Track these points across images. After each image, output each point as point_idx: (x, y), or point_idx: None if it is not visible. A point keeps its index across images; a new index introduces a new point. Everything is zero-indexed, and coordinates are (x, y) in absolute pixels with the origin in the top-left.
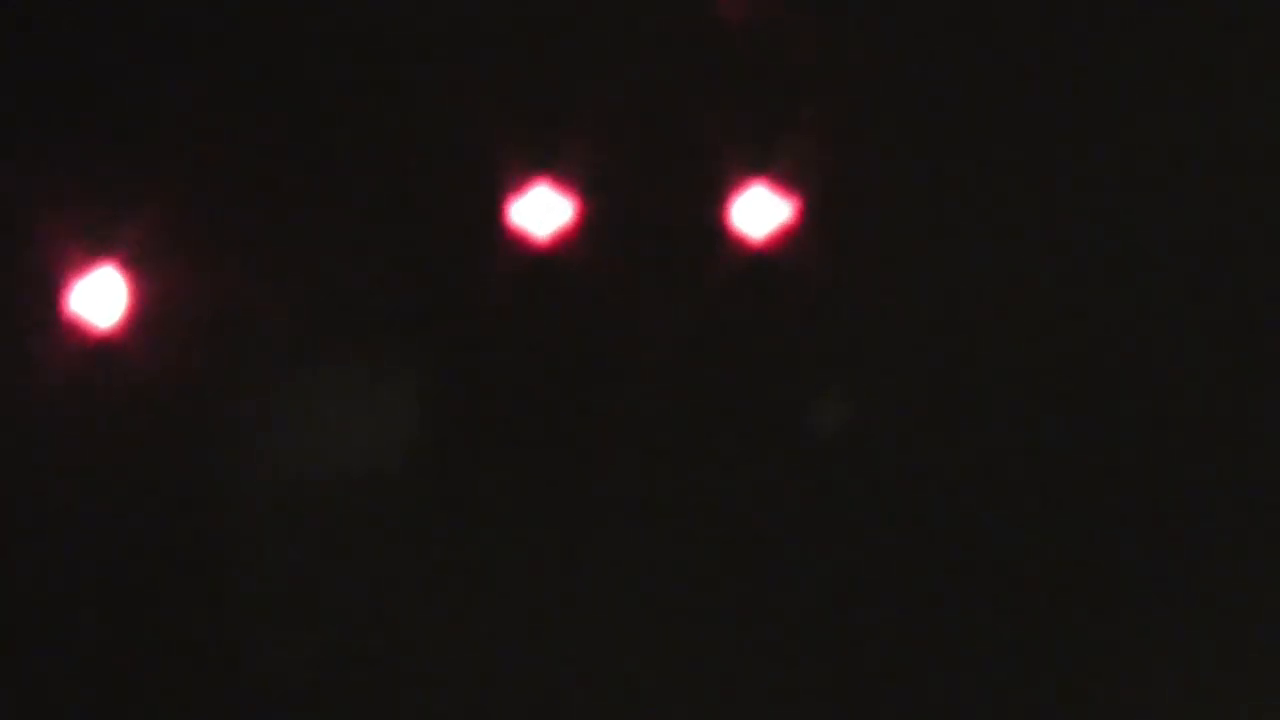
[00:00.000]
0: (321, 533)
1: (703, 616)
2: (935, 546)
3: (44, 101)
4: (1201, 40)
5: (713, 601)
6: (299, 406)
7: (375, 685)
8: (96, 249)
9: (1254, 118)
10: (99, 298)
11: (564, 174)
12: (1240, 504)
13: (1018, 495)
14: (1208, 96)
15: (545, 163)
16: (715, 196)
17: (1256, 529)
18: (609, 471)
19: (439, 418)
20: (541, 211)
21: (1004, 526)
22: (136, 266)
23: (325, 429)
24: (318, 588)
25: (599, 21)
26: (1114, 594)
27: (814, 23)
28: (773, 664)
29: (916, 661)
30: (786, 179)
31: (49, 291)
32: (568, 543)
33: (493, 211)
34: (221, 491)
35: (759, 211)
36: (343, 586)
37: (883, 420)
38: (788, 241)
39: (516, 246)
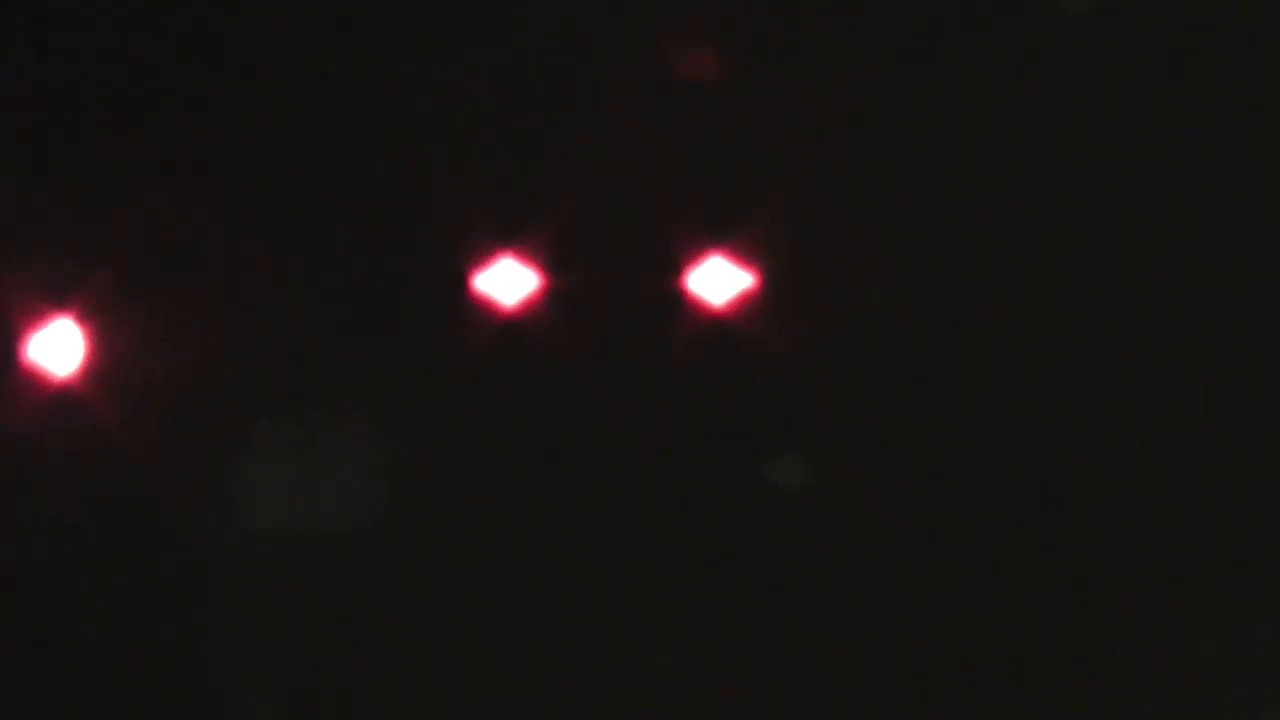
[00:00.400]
0: (279, 590)
1: (665, 679)
2: (892, 608)
3: (2, 153)
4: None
5: (676, 666)
6: (257, 464)
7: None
8: (55, 300)
9: (1220, 126)
10: (57, 348)
11: (528, 246)
12: (1223, 525)
13: (979, 568)
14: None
15: (510, 235)
16: (675, 266)
17: (1237, 550)
18: (574, 536)
19: (401, 478)
20: (507, 281)
21: (966, 594)
22: (94, 318)
23: (283, 488)
24: (275, 643)
25: (563, 98)
26: (1094, 621)
27: (772, 90)
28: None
29: (898, 686)
30: (745, 250)
31: (6, 341)
32: (532, 608)
33: (459, 281)
34: (178, 545)
35: (718, 280)
36: (297, 641)
37: (843, 483)
38: (747, 309)
39: (482, 315)
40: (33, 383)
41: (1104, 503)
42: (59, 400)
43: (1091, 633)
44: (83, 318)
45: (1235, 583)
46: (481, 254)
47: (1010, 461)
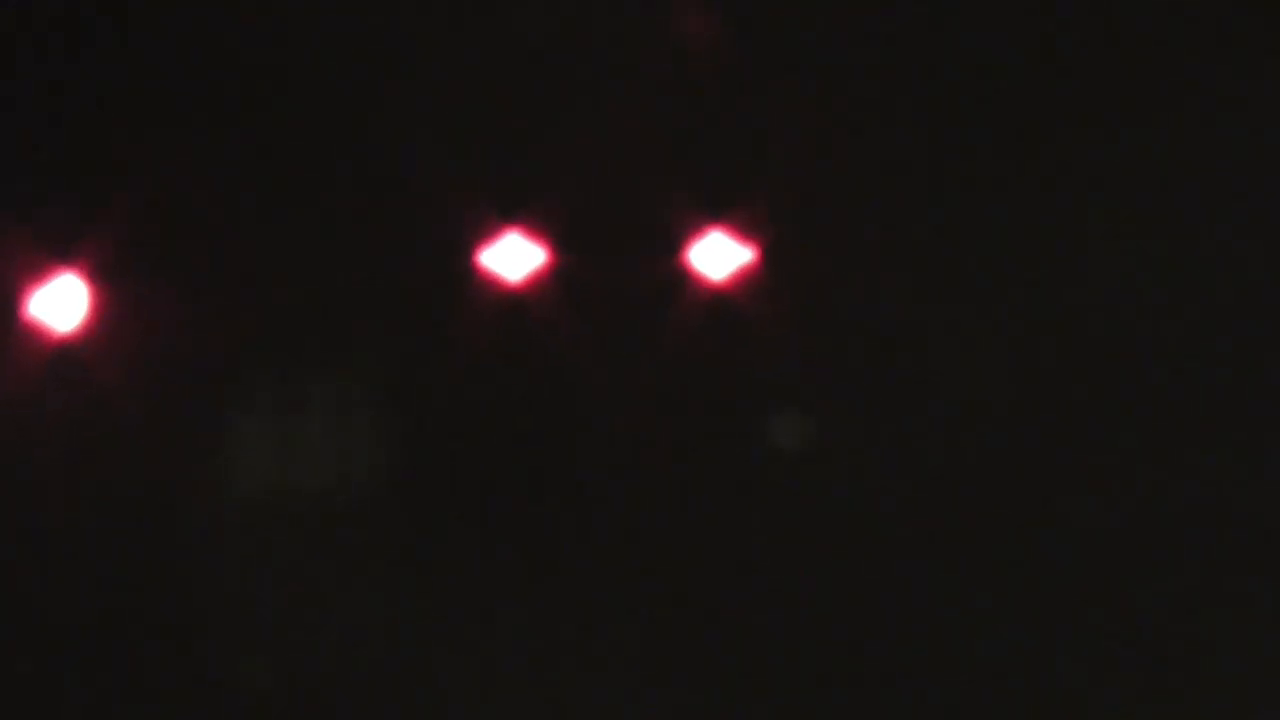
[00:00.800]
0: (276, 543)
1: (665, 635)
2: (887, 564)
3: (5, 113)
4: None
5: (674, 622)
6: (258, 421)
7: (334, 691)
8: (58, 257)
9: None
10: (60, 304)
11: (534, 222)
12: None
13: (974, 539)
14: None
15: (517, 212)
16: (677, 242)
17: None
18: (573, 507)
19: (403, 448)
20: (513, 257)
21: (953, 554)
22: (98, 274)
23: (285, 445)
24: (272, 596)
25: (567, 78)
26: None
27: (771, 68)
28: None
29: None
30: (745, 225)
31: (9, 297)
32: (533, 574)
33: (466, 256)
34: (177, 499)
35: (719, 256)
36: (296, 595)
37: (839, 453)
38: (746, 283)
39: (488, 289)
40: (33, 339)
41: (1102, 483)
42: (59, 356)
43: (1088, 607)
44: (86, 275)
45: (1236, 581)
46: (487, 230)
47: (1007, 429)
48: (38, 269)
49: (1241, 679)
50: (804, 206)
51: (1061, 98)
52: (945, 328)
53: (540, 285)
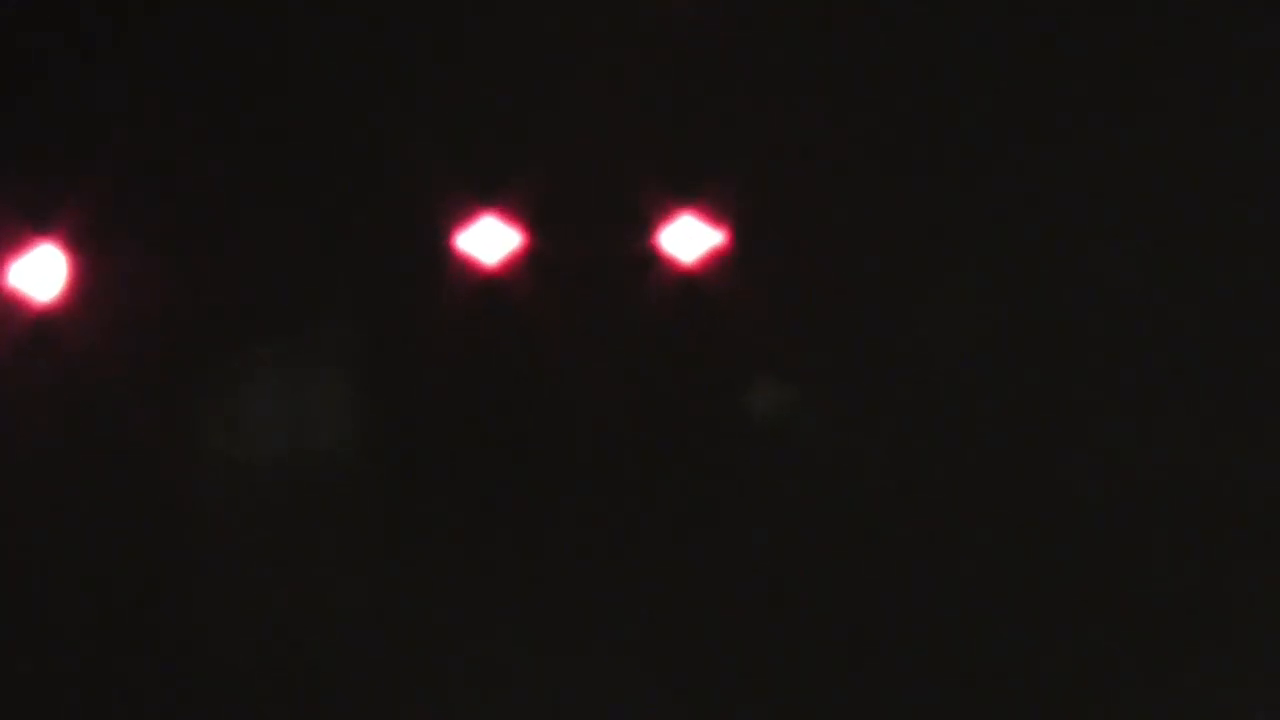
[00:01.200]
0: (258, 512)
1: (641, 607)
2: (864, 540)
3: None
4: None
5: (651, 595)
6: (238, 392)
7: (320, 659)
8: (37, 226)
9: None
10: (38, 274)
11: (510, 206)
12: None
13: (953, 514)
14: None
15: (492, 196)
16: (648, 225)
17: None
18: (553, 478)
19: (377, 411)
20: (488, 240)
21: (933, 531)
22: (77, 243)
23: (264, 418)
24: (254, 567)
25: (544, 66)
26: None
27: (741, 50)
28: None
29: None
30: (715, 208)
31: None
32: (513, 550)
33: (442, 239)
34: (157, 466)
35: (689, 238)
36: (279, 564)
37: (811, 429)
38: (716, 266)
39: (464, 271)
40: (12, 308)
41: (1088, 458)
42: (39, 325)
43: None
44: (65, 243)
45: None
46: (463, 214)
47: (984, 409)
48: (16, 239)
49: (1242, 663)
50: (774, 189)
51: (1035, 77)
52: (918, 307)
53: (516, 267)
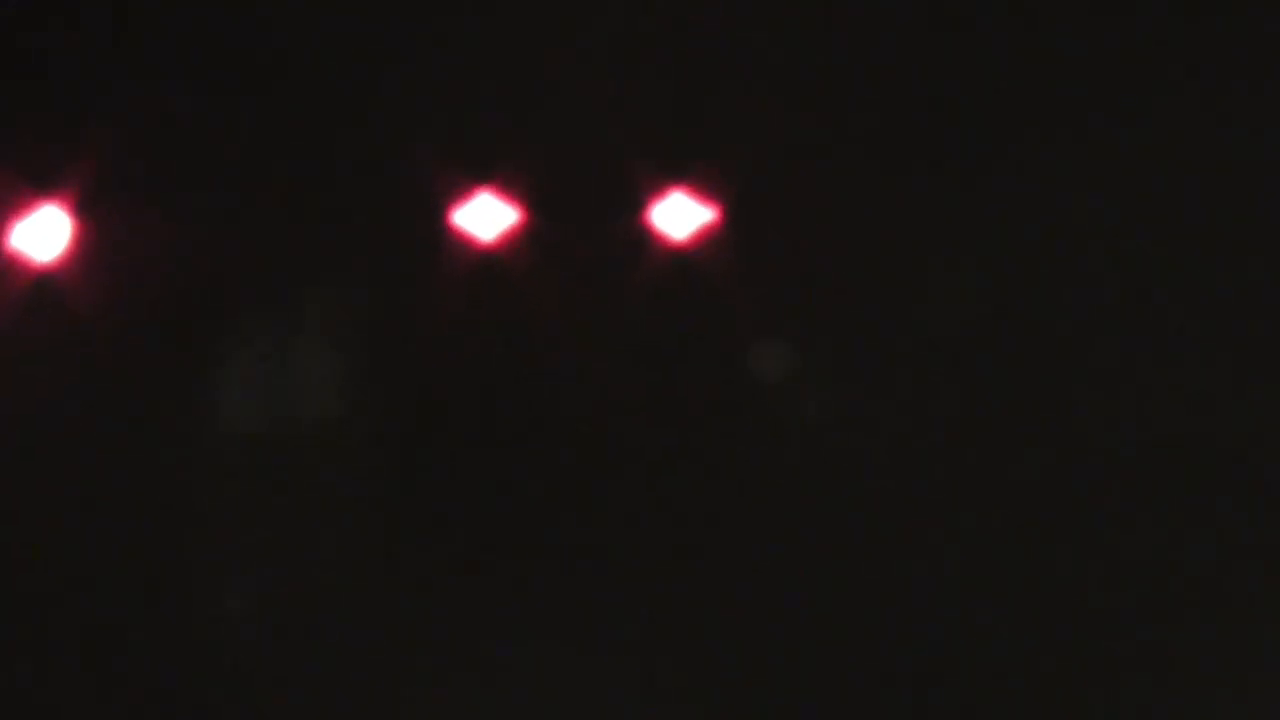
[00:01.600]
0: (257, 477)
1: (639, 598)
2: (859, 513)
3: None
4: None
5: (653, 585)
6: (237, 356)
7: (309, 626)
8: (39, 187)
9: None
10: (41, 236)
11: (507, 184)
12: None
13: (945, 500)
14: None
15: (489, 174)
16: (639, 202)
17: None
18: (546, 454)
19: (373, 382)
20: (485, 217)
21: (924, 505)
22: (80, 205)
23: (260, 383)
24: (251, 531)
25: (536, 48)
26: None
27: (732, 31)
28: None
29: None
30: (706, 186)
31: None
32: (507, 525)
33: (439, 216)
34: (157, 429)
35: (680, 215)
36: (273, 532)
37: (803, 406)
38: (707, 242)
39: (461, 247)
40: (14, 269)
41: (1078, 420)
42: (40, 287)
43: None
44: (68, 205)
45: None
46: (461, 190)
47: (978, 390)
48: (18, 200)
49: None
50: (763, 169)
51: (1030, 52)
52: (913, 285)
53: (512, 244)
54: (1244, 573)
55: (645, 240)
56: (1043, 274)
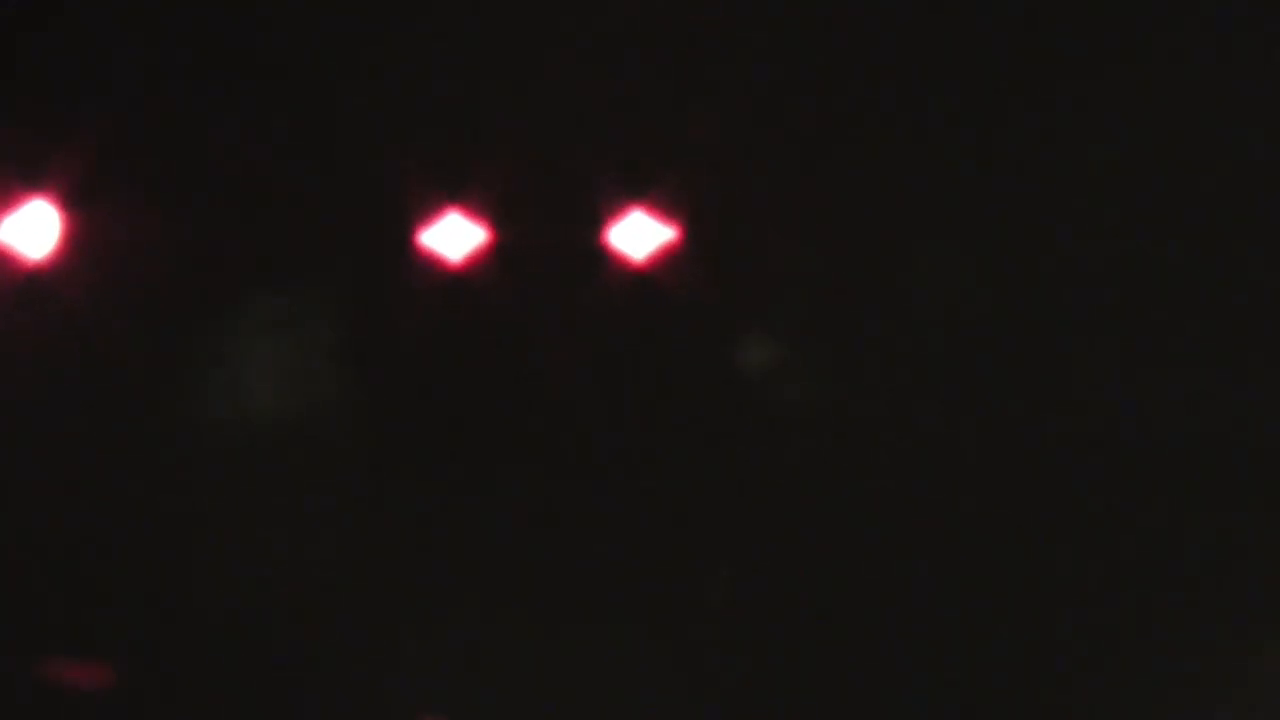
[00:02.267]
0: (243, 469)
1: (586, 596)
2: (826, 517)
3: None
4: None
5: (601, 589)
6: (226, 347)
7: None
8: (29, 181)
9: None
10: (31, 230)
11: (474, 204)
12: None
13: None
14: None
15: (456, 194)
16: (599, 221)
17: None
18: (508, 462)
19: (356, 377)
20: (452, 237)
21: (884, 511)
22: (69, 200)
23: (247, 375)
24: (243, 520)
25: (499, 68)
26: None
27: (693, 48)
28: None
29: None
30: (665, 205)
31: None
32: (477, 525)
33: (407, 236)
34: (147, 424)
35: (639, 234)
36: (264, 518)
37: (766, 418)
38: (667, 261)
39: (429, 266)
40: (4, 264)
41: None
42: (30, 282)
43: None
44: (58, 200)
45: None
46: (428, 211)
47: (944, 410)
48: (7, 194)
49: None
50: (723, 186)
51: (1001, 48)
52: (868, 296)
53: (480, 262)
54: (1244, 572)
55: (604, 259)
56: (1024, 285)
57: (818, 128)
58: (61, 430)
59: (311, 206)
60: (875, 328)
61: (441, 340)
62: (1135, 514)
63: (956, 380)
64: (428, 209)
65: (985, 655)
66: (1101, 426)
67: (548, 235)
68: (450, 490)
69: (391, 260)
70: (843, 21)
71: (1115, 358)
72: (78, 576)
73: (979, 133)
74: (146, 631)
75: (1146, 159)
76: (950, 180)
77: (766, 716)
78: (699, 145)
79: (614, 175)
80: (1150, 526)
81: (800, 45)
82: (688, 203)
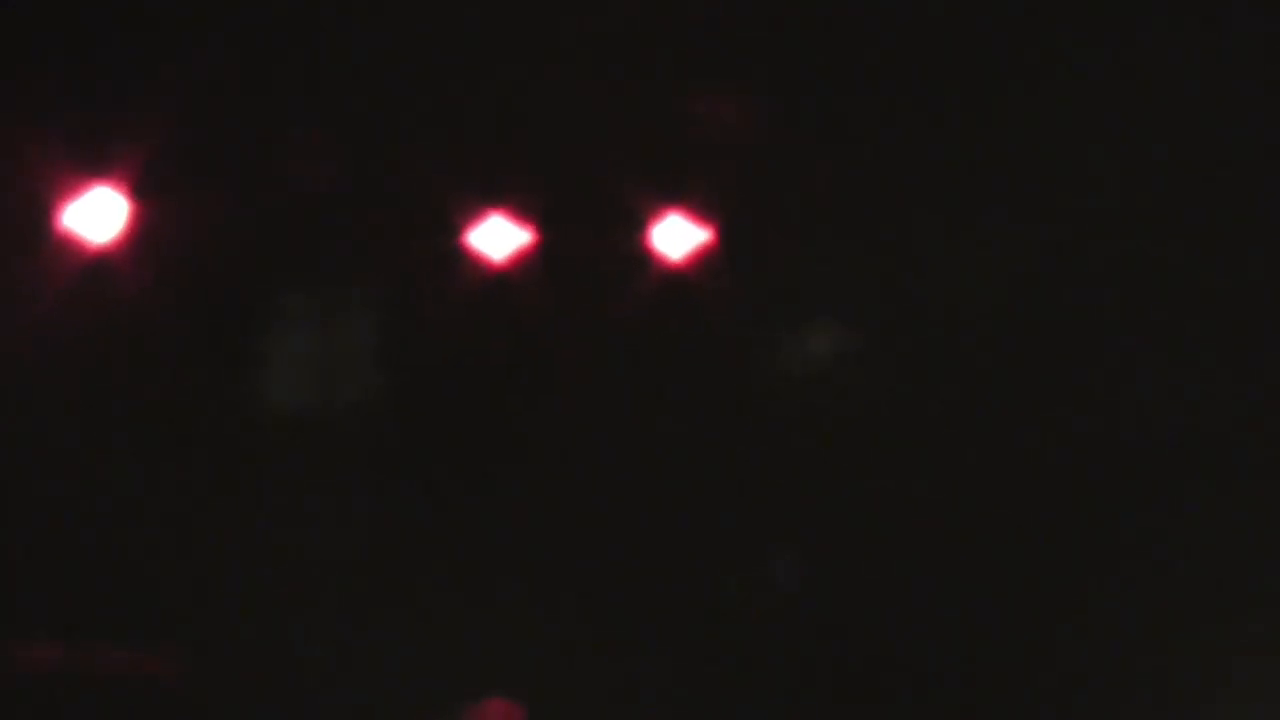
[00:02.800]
0: (298, 455)
1: (614, 595)
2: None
3: (49, 27)
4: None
5: (629, 582)
6: (278, 341)
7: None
8: (95, 169)
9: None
10: (96, 216)
11: (517, 206)
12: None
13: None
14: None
15: (500, 197)
16: (638, 224)
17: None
18: (548, 455)
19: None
20: (496, 238)
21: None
22: (135, 187)
23: (296, 369)
24: (291, 505)
25: (538, 78)
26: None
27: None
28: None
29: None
30: (702, 208)
31: (45, 209)
32: (512, 514)
33: (453, 237)
34: (209, 408)
35: (677, 237)
36: (309, 501)
37: (792, 415)
38: (704, 263)
39: (473, 267)
40: (67, 250)
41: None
42: (93, 268)
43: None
44: (123, 187)
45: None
46: (473, 212)
47: (971, 407)
48: (72, 181)
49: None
50: (756, 192)
51: (1022, 60)
52: (905, 303)
53: (522, 263)
54: (1244, 572)
55: (645, 259)
56: (1042, 282)
57: (850, 131)
58: (116, 414)
59: (361, 208)
60: (906, 326)
61: (483, 337)
62: (1135, 514)
63: (999, 381)
64: (473, 212)
65: (984, 656)
66: (1111, 426)
67: (589, 238)
68: (489, 488)
69: (438, 261)
70: (880, 25)
71: (1120, 358)
72: (132, 559)
73: (1003, 135)
74: (197, 619)
75: (1147, 159)
76: (977, 180)
77: (766, 716)
78: (733, 149)
79: (652, 179)
80: (1150, 526)
81: (835, 50)
82: (722, 206)
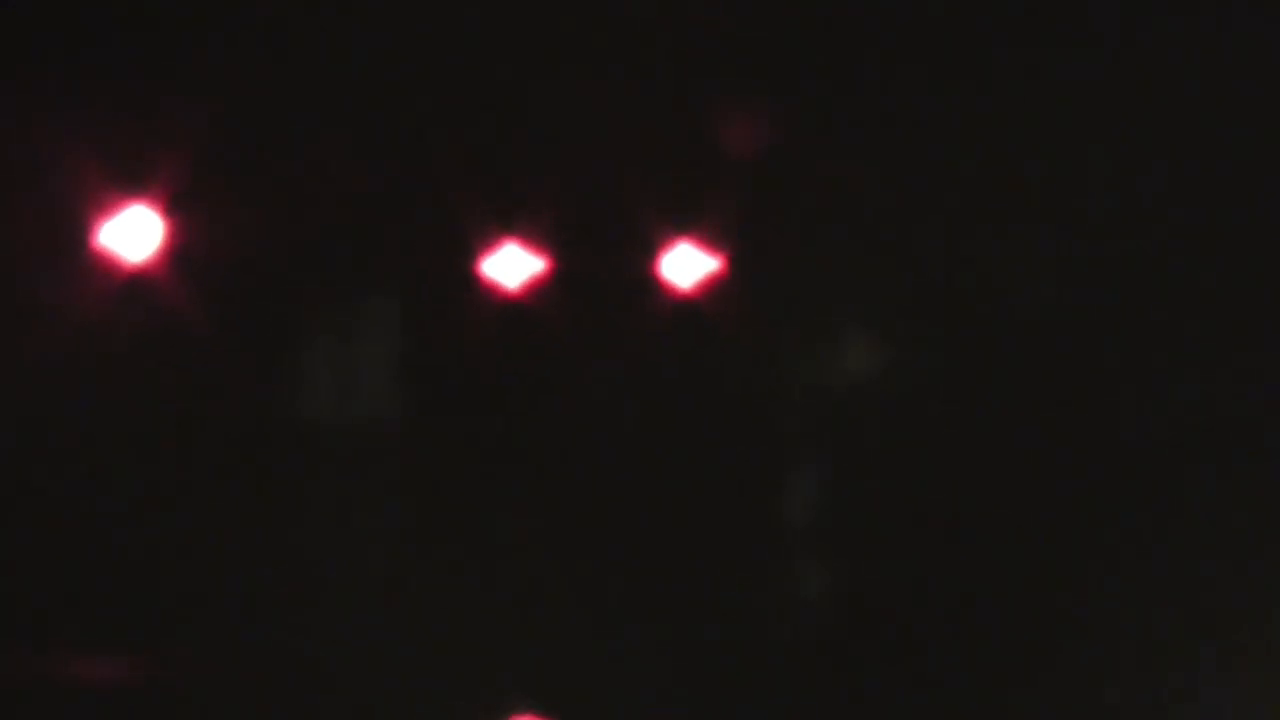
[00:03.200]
0: (330, 466)
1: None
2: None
3: (86, 42)
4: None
5: (637, 591)
6: (310, 358)
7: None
8: (131, 186)
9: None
10: (131, 234)
11: (531, 234)
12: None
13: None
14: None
15: (514, 225)
16: (649, 252)
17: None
18: (560, 475)
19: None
20: (510, 265)
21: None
22: (171, 204)
23: (330, 381)
24: (328, 515)
25: (552, 106)
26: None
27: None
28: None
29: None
30: (711, 237)
31: (81, 227)
32: (523, 531)
33: (468, 265)
34: (245, 425)
35: (687, 265)
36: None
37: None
38: (713, 291)
39: (488, 294)
40: (104, 267)
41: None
42: (130, 285)
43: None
44: (159, 205)
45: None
46: (487, 242)
47: (979, 431)
48: (109, 199)
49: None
50: (766, 220)
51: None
52: (915, 331)
53: (536, 290)
54: (1243, 572)
55: (654, 287)
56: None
57: (858, 159)
58: (156, 432)
59: (383, 232)
60: (919, 349)
61: (499, 363)
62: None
63: (1026, 388)
64: (488, 240)
65: (987, 655)
66: (1111, 426)
67: (600, 265)
68: (501, 507)
69: (454, 287)
70: (889, 42)
71: (1120, 358)
72: (173, 569)
73: (1006, 146)
74: (244, 613)
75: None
76: (996, 194)
77: (766, 716)
78: (743, 178)
79: (662, 207)
80: (1149, 526)
81: (848, 72)
82: (732, 235)
